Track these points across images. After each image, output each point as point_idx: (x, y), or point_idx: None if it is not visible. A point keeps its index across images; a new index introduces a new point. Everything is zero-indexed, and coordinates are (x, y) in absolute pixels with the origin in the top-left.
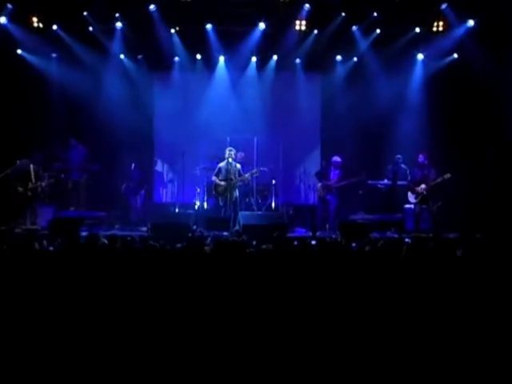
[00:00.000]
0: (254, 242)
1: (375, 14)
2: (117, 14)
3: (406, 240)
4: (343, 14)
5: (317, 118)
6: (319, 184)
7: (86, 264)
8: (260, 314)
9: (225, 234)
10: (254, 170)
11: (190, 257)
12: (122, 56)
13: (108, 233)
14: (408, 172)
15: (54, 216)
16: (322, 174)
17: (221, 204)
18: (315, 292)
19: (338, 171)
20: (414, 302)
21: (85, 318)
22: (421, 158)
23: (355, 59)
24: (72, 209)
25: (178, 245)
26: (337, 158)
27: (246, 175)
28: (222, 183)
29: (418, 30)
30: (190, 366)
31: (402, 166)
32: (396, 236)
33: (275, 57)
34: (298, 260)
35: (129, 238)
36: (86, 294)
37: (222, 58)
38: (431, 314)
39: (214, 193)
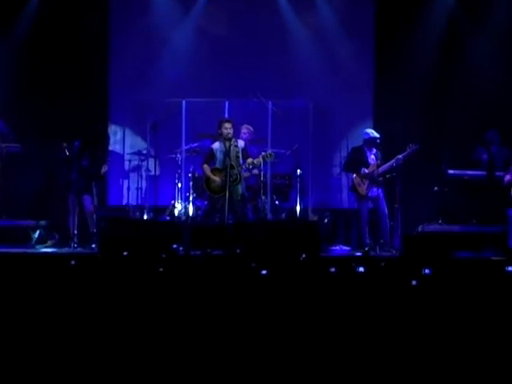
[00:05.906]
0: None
1: None
2: None
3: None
4: None
5: (367, 69)
6: (354, 176)
7: None
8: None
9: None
10: (268, 153)
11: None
12: None
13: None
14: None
15: None
16: (356, 161)
17: (216, 207)
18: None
19: (374, 151)
20: None
21: None
22: None
23: None
24: None
25: None
26: (370, 132)
27: (255, 160)
28: (218, 177)
29: None
30: None
31: (502, 147)
32: (495, 257)
33: None
34: (336, 295)
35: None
36: None
37: None
38: None
39: (206, 190)
